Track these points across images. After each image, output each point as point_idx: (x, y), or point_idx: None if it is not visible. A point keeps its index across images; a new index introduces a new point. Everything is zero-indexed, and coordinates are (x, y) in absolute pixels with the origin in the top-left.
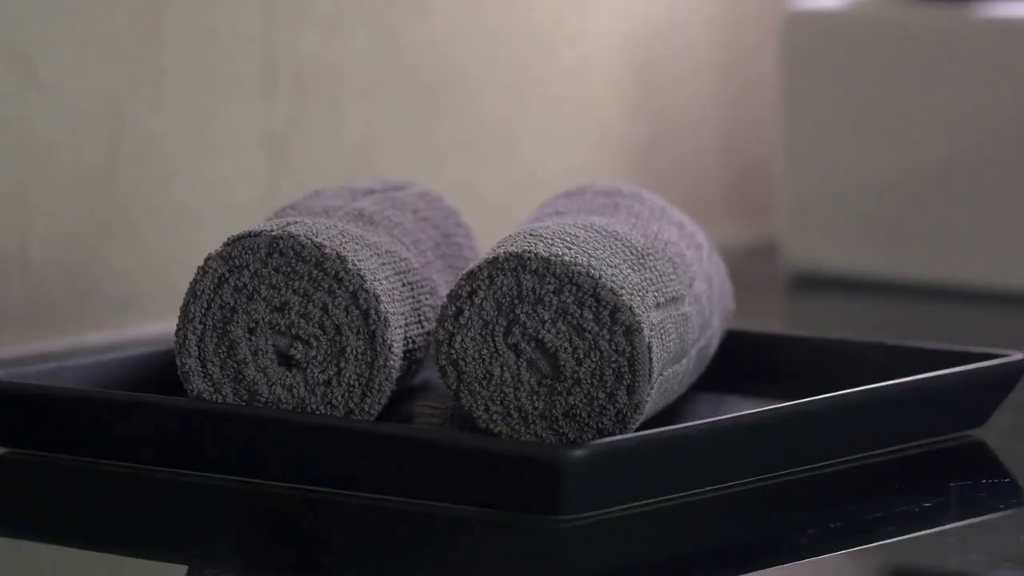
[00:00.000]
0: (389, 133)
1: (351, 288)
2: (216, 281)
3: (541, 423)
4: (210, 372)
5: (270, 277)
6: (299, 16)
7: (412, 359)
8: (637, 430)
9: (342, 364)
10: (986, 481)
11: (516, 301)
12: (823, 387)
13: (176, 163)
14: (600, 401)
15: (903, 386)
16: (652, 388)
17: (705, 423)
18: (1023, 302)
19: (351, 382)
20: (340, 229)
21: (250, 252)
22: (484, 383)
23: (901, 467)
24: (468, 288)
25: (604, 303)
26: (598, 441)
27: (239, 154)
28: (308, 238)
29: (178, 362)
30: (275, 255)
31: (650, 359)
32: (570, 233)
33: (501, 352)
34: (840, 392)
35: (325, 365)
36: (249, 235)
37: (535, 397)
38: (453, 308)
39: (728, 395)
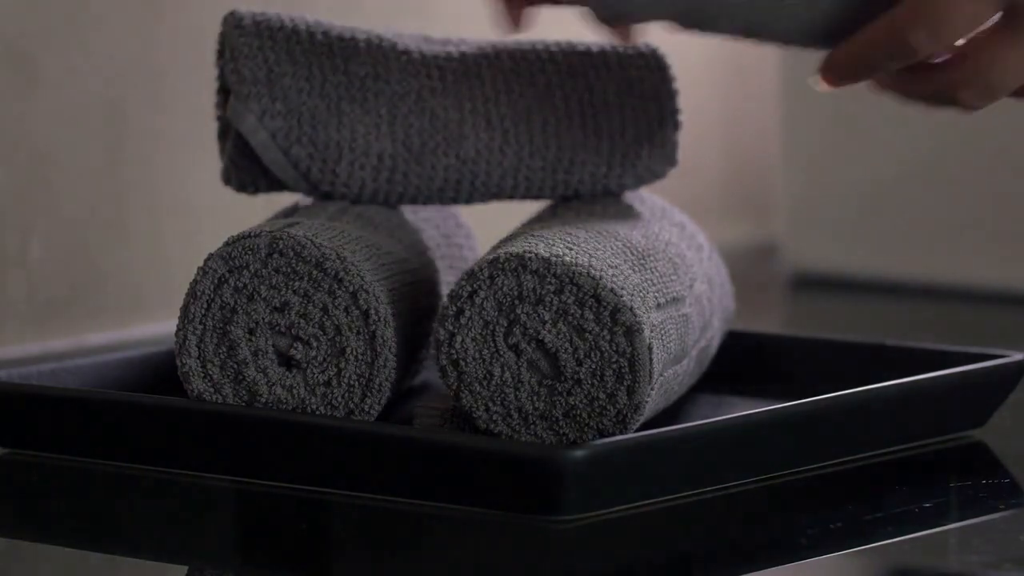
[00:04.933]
0: None
1: (351, 288)
2: (216, 282)
3: (541, 423)
4: (210, 373)
5: (270, 277)
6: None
7: (412, 359)
8: (637, 430)
9: (342, 364)
10: (986, 481)
11: (517, 301)
12: (823, 387)
13: (176, 163)
14: (600, 402)
15: (903, 386)
16: (652, 389)
17: (705, 423)
18: (1023, 302)
19: (351, 382)
20: (340, 230)
21: (250, 252)
22: (484, 383)
23: (901, 467)
24: (469, 288)
25: (605, 304)
26: (598, 441)
27: None
28: (308, 238)
29: (178, 363)
30: (275, 255)
31: (650, 360)
32: (571, 234)
33: (501, 352)
34: (840, 392)
35: (325, 365)
36: (249, 235)
37: (535, 397)
38: (454, 308)
39: (728, 395)
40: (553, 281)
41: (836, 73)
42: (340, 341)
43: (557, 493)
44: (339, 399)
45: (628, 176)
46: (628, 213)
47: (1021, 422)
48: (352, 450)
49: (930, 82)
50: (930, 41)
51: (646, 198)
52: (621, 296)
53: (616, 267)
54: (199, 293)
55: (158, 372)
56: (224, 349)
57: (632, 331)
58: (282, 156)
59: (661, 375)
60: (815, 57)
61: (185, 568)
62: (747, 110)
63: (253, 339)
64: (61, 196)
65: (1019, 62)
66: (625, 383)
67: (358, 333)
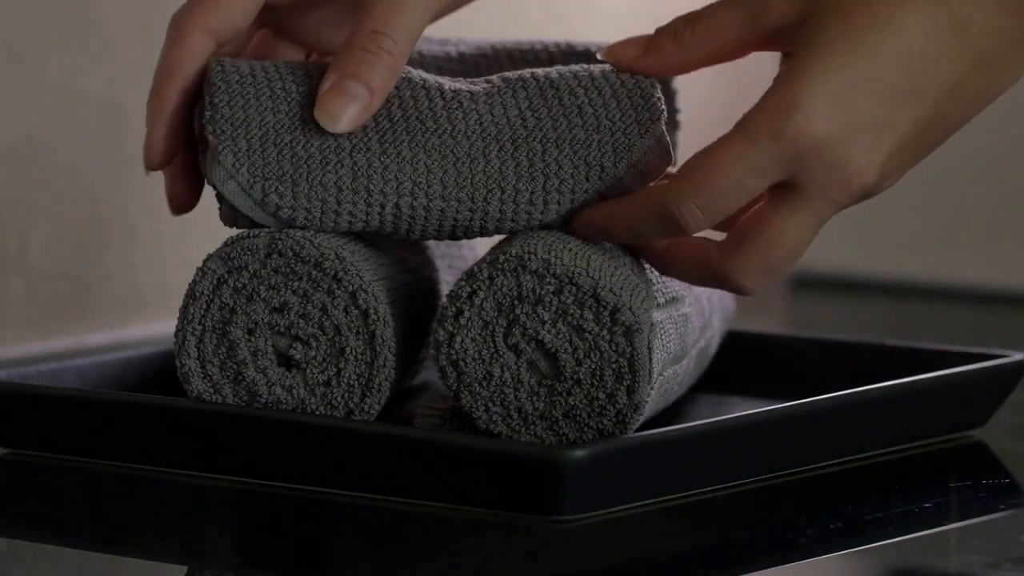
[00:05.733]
0: None
1: (350, 288)
2: (215, 282)
3: (541, 424)
4: (210, 373)
5: (269, 278)
6: None
7: (412, 360)
8: (637, 430)
9: (342, 364)
10: (986, 481)
11: (516, 302)
12: (823, 387)
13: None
14: (600, 402)
15: (903, 386)
16: (652, 389)
17: (705, 423)
18: (1023, 302)
19: (351, 382)
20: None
21: (249, 253)
22: (484, 384)
23: (901, 467)
24: (468, 289)
25: (604, 303)
26: (598, 442)
27: None
28: (307, 238)
29: (178, 363)
30: (274, 256)
31: (650, 360)
32: (570, 233)
33: (501, 353)
34: (840, 392)
35: (325, 365)
36: (248, 236)
37: (535, 398)
38: (453, 309)
39: (728, 395)
40: (552, 281)
41: (590, 233)
42: (339, 341)
43: (557, 493)
44: (339, 399)
45: None
46: None
47: (1021, 422)
48: (352, 450)
49: (702, 265)
50: (702, 215)
51: None
52: (620, 296)
53: (615, 267)
54: (198, 294)
55: (158, 372)
56: (223, 349)
57: (632, 331)
58: (258, 209)
59: (661, 375)
60: None
61: (185, 568)
62: (746, 110)
63: (252, 339)
64: (61, 196)
65: (797, 239)
66: (625, 383)
67: (357, 333)
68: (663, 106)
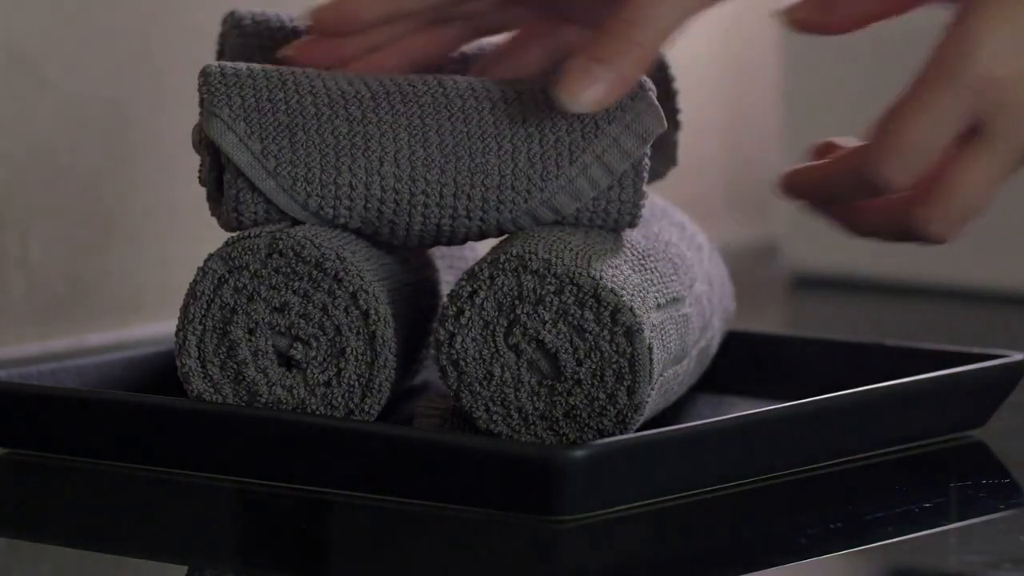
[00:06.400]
0: None
1: (351, 288)
2: (216, 282)
3: (541, 424)
4: (210, 373)
5: (270, 278)
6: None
7: (412, 360)
8: (637, 431)
9: (342, 364)
10: (986, 481)
11: (517, 301)
12: (823, 387)
13: (176, 163)
14: (600, 402)
15: (903, 386)
16: (652, 389)
17: (705, 423)
18: (1023, 302)
19: (351, 382)
20: (340, 230)
21: (250, 253)
22: (484, 383)
23: (901, 467)
24: (469, 288)
25: (605, 304)
26: (598, 441)
27: None
28: (308, 238)
29: (178, 363)
30: (275, 255)
31: (651, 360)
32: (571, 233)
33: (502, 352)
34: (840, 392)
35: (325, 366)
36: (249, 236)
37: (535, 398)
38: (454, 308)
39: (728, 395)
40: (553, 281)
41: (794, 193)
42: (340, 341)
43: (557, 493)
44: (339, 399)
45: None
46: None
47: (1021, 422)
48: (352, 450)
49: (892, 218)
50: (903, 172)
51: None
52: (621, 296)
53: (616, 267)
54: (199, 293)
55: (158, 372)
56: (224, 349)
57: (632, 331)
58: (258, 165)
59: (661, 375)
60: (817, 58)
61: (185, 568)
62: (748, 110)
63: (253, 339)
64: (61, 196)
65: (983, 182)
66: (625, 383)
67: (358, 333)
68: (651, 85)
